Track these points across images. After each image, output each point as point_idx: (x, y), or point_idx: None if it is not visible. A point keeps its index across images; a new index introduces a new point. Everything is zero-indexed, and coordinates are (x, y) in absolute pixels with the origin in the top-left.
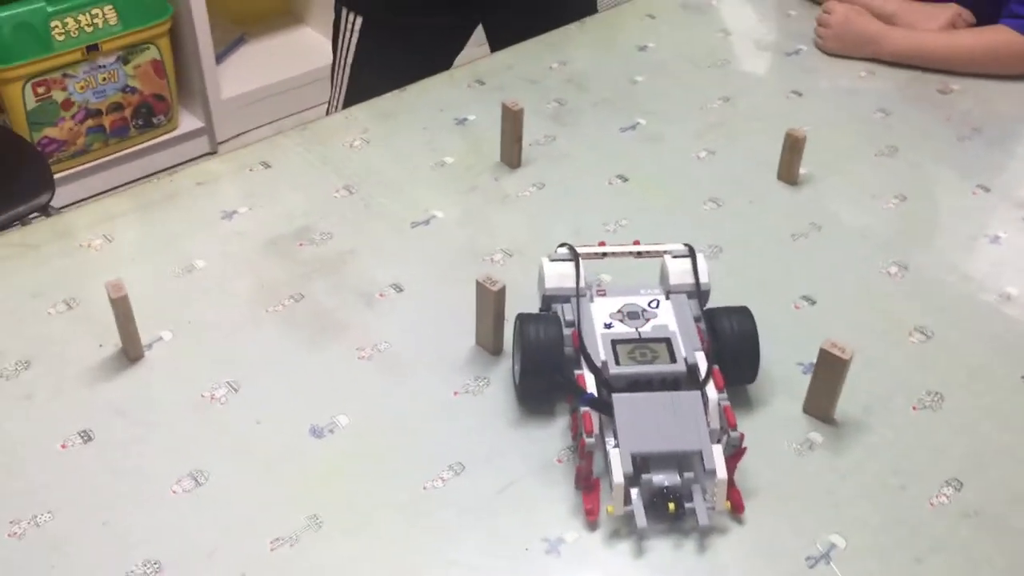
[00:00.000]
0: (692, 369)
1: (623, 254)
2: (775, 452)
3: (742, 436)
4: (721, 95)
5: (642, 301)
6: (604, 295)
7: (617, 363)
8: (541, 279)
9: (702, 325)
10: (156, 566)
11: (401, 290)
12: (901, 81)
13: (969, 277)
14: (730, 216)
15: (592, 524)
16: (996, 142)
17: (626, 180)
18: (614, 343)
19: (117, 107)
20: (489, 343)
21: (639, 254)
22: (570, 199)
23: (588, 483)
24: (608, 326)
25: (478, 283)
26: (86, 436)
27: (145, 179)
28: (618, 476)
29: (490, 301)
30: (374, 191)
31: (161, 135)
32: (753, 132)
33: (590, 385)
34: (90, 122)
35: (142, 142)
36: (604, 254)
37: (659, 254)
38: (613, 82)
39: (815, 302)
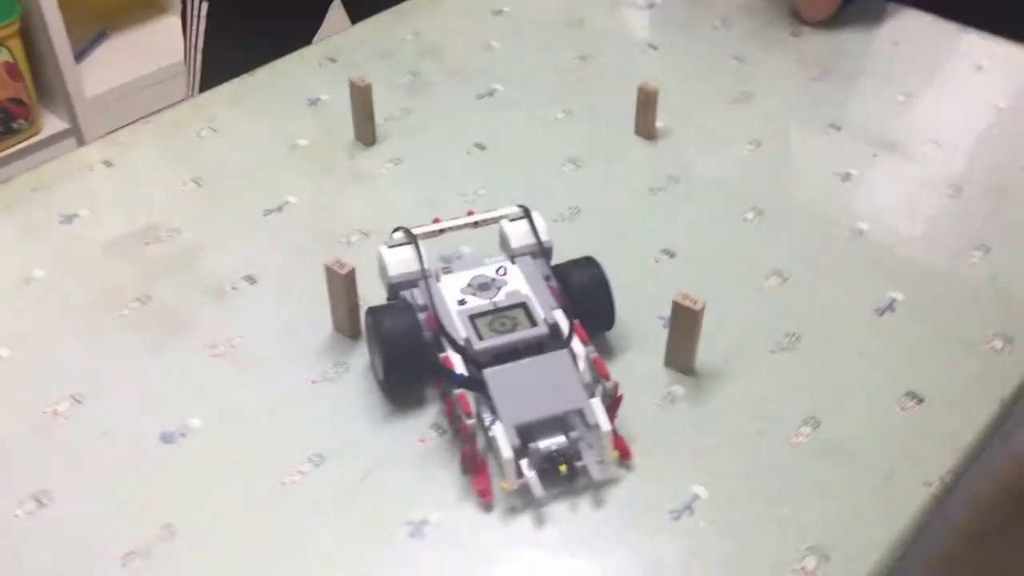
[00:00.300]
0: (554, 328)
1: (459, 227)
2: (638, 408)
3: (616, 384)
4: (578, 54)
5: (489, 271)
6: (450, 272)
7: (480, 338)
8: (383, 268)
9: (553, 283)
10: None
11: (254, 281)
12: (754, 27)
13: (823, 216)
14: (589, 176)
15: (488, 505)
16: (846, 81)
17: (484, 148)
18: (471, 318)
19: None
20: (345, 328)
21: (475, 224)
22: (427, 173)
23: (476, 465)
24: (461, 302)
25: (327, 267)
26: None
27: None
28: (507, 451)
29: (341, 285)
30: (224, 181)
31: (24, 140)
32: (610, 89)
33: (458, 366)
34: None
35: (4, 149)
36: (441, 231)
37: (495, 220)
38: (468, 50)
39: (674, 255)
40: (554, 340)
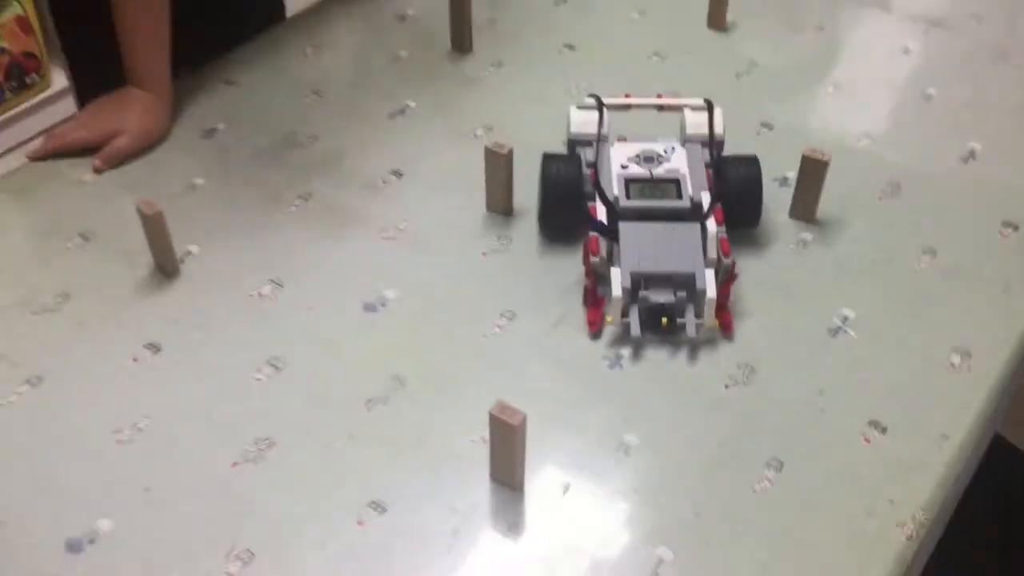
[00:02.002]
0: (696, 206)
1: (646, 106)
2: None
3: (733, 263)
4: None
5: (658, 147)
6: (625, 141)
7: (628, 198)
8: (568, 124)
9: (711, 171)
10: (267, 442)
11: (401, 175)
12: None
13: (892, 85)
14: (676, 66)
15: (594, 334)
16: None
17: (573, 48)
18: (627, 181)
19: None
20: (500, 205)
21: (660, 107)
22: (528, 73)
23: (593, 299)
24: (624, 167)
25: (487, 149)
26: (153, 347)
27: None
28: (616, 290)
29: (500, 164)
30: (342, 92)
31: (37, 94)
32: None
33: (601, 215)
34: None
35: (20, 103)
36: (628, 106)
37: (679, 107)
38: None
39: (772, 127)
40: (693, 215)
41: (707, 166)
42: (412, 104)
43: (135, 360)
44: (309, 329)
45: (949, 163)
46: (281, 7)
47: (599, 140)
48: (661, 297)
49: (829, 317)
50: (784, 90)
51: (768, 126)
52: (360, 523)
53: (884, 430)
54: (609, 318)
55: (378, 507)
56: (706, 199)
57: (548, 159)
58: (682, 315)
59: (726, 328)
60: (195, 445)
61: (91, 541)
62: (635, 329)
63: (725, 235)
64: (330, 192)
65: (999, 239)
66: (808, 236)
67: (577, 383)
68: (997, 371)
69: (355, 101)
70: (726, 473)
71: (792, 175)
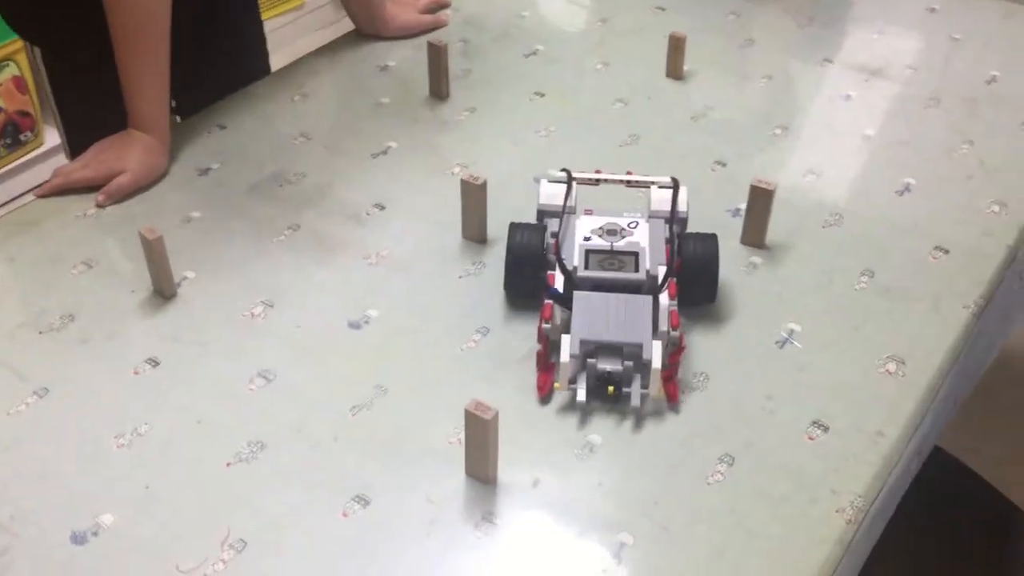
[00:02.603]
0: (652, 279)
1: (614, 181)
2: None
3: (681, 335)
4: (599, 17)
5: (623, 222)
6: (591, 214)
7: (586, 268)
8: (538, 195)
9: (673, 246)
10: (259, 445)
11: (383, 207)
12: None
13: (834, 127)
14: (637, 111)
15: (543, 398)
16: (828, 25)
17: (542, 95)
18: (587, 252)
19: None
20: (476, 234)
21: (628, 183)
22: (501, 117)
23: (544, 364)
24: (587, 239)
25: (463, 181)
26: (152, 362)
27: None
28: (564, 356)
29: (475, 194)
30: (328, 134)
31: (30, 151)
32: (633, 43)
33: (559, 284)
34: None
35: (13, 160)
36: (597, 180)
37: (647, 184)
38: (504, 19)
39: (726, 164)
40: (648, 289)
41: (667, 241)
42: (393, 145)
43: (136, 373)
44: (298, 344)
45: (886, 195)
46: (266, 62)
47: (564, 212)
48: (609, 365)
49: (776, 331)
50: (736, 132)
51: (721, 163)
52: (345, 515)
53: (826, 429)
54: (557, 384)
55: (361, 500)
56: (662, 272)
57: (514, 227)
58: (629, 384)
59: (671, 398)
60: (191, 447)
61: (95, 533)
62: (581, 395)
63: (675, 308)
64: (317, 223)
65: (931, 262)
66: (758, 260)
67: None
68: (929, 377)
69: (340, 142)
70: (682, 467)
71: (743, 206)
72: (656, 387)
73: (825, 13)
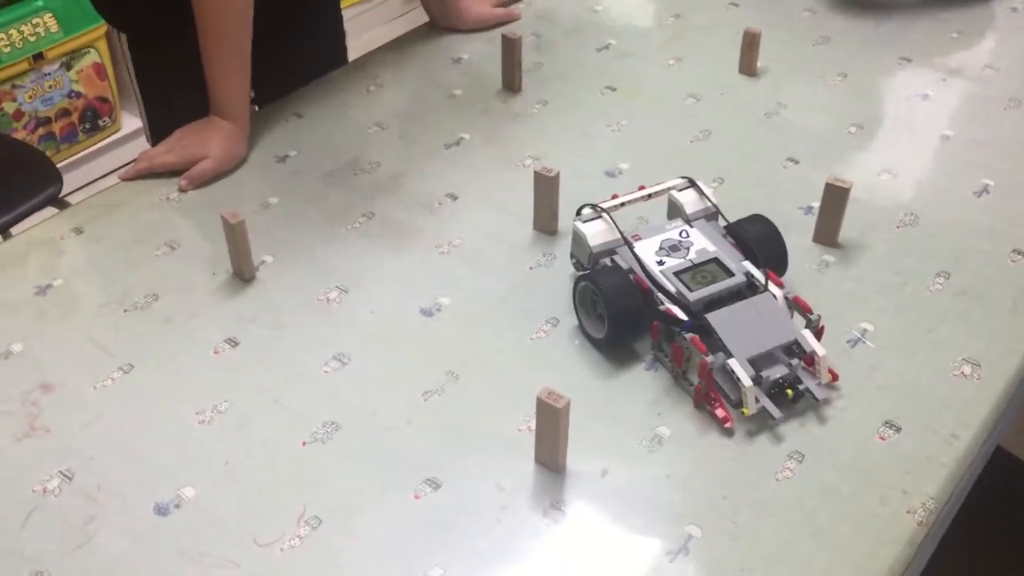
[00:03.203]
0: (749, 277)
1: (635, 200)
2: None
3: (819, 316)
4: (672, 13)
5: (674, 234)
6: (640, 239)
7: (690, 290)
8: (581, 241)
9: (730, 239)
10: (334, 425)
11: (456, 198)
12: None
13: (911, 127)
14: (710, 107)
15: (730, 430)
16: (905, 24)
17: (614, 90)
18: (676, 274)
19: (65, 113)
20: (547, 226)
21: (649, 196)
22: (572, 111)
23: (711, 397)
24: (660, 263)
25: (536, 172)
26: (232, 342)
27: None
28: (746, 380)
29: (547, 187)
30: (402, 125)
31: (108, 136)
32: (706, 39)
33: (680, 315)
34: (41, 130)
35: (92, 144)
36: (621, 204)
37: (665, 192)
38: (576, 13)
39: (798, 162)
40: (750, 287)
41: (724, 237)
42: (466, 136)
43: (215, 352)
44: (371, 329)
45: (964, 197)
46: (343, 52)
47: (630, 244)
48: (777, 372)
49: (848, 330)
50: (809, 129)
51: (794, 160)
52: (416, 497)
53: (898, 429)
54: (744, 410)
55: (433, 483)
56: (752, 268)
57: (594, 278)
58: (801, 382)
59: (834, 378)
60: (269, 426)
61: (176, 506)
62: (775, 411)
63: (795, 293)
64: (391, 211)
65: (1009, 264)
66: (830, 258)
67: (615, 382)
68: (1005, 380)
69: (414, 133)
70: (752, 463)
71: (816, 204)
72: (825, 373)
73: (902, 13)
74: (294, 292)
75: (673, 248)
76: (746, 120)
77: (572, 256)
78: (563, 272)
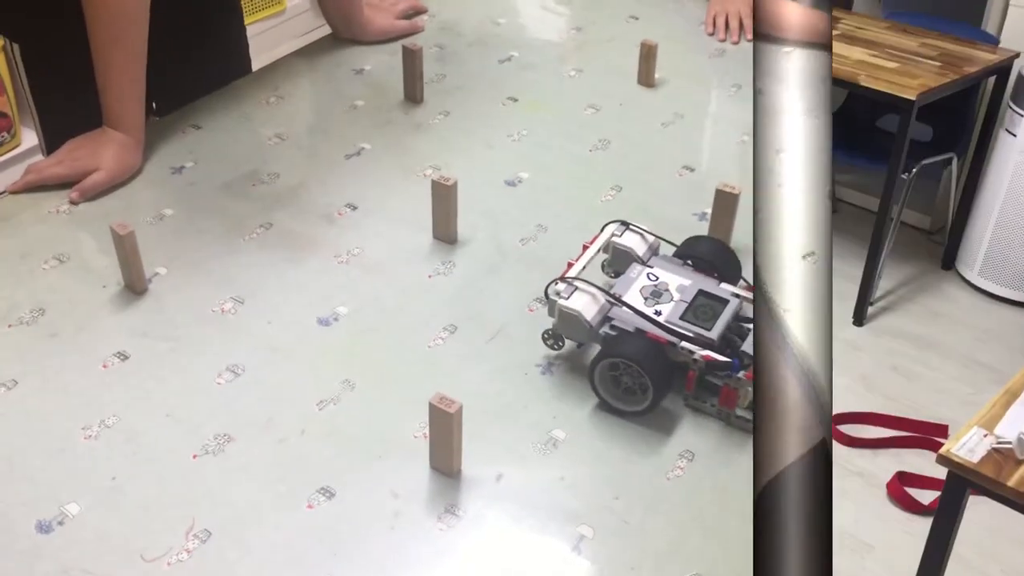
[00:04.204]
0: (736, 296)
1: (592, 258)
2: None
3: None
4: (573, 26)
5: (644, 280)
6: (622, 295)
7: (708, 329)
8: (574, 319)
9: (688, 265)
10: (226, 437)
11: (355, 208)
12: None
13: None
14: (609, 117)
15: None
16: None
17: (516, 100)
18: (681, 319)
19: None
20: (446, 234)
21: (600, 250)
22: (473, 121)
23: None
24: (659, 313)
25: (434, 182)
26: (122, 356)
27: None
28: None
29: (446, 195)
30: (303, 136)
31: (6, 152)
32: (607, 52)
33: (717, 356)
34: None
35: None
36: (583, 268)
37: (607, 242)
38: (480, 25)
39: (693, 169)
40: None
41: (682, 264)
42: (367, 147)
43: (104, 367)
44: (267, 340)
45: None
46: (247, 62)
47: (623, 304)
48: None
49: None
50: (704, 138)
51: (689, 168)
52: (310, 507)
53: None
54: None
55: (327, 493)
56: (728, 287)
57: (617, 351)
58: None
59: None
60: (158, 440)
61: (60, 523)
62: None
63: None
64: (290, 222)
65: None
66: None
67: (510, 387)
68: None
69: (314, 144)
70: (643, 462)
71: (708, 210)
72: None
73: None
74: (188, 304)
75: (655, 294)
76: (644, 130)
77: (548, 336)
78: (462, 280)
